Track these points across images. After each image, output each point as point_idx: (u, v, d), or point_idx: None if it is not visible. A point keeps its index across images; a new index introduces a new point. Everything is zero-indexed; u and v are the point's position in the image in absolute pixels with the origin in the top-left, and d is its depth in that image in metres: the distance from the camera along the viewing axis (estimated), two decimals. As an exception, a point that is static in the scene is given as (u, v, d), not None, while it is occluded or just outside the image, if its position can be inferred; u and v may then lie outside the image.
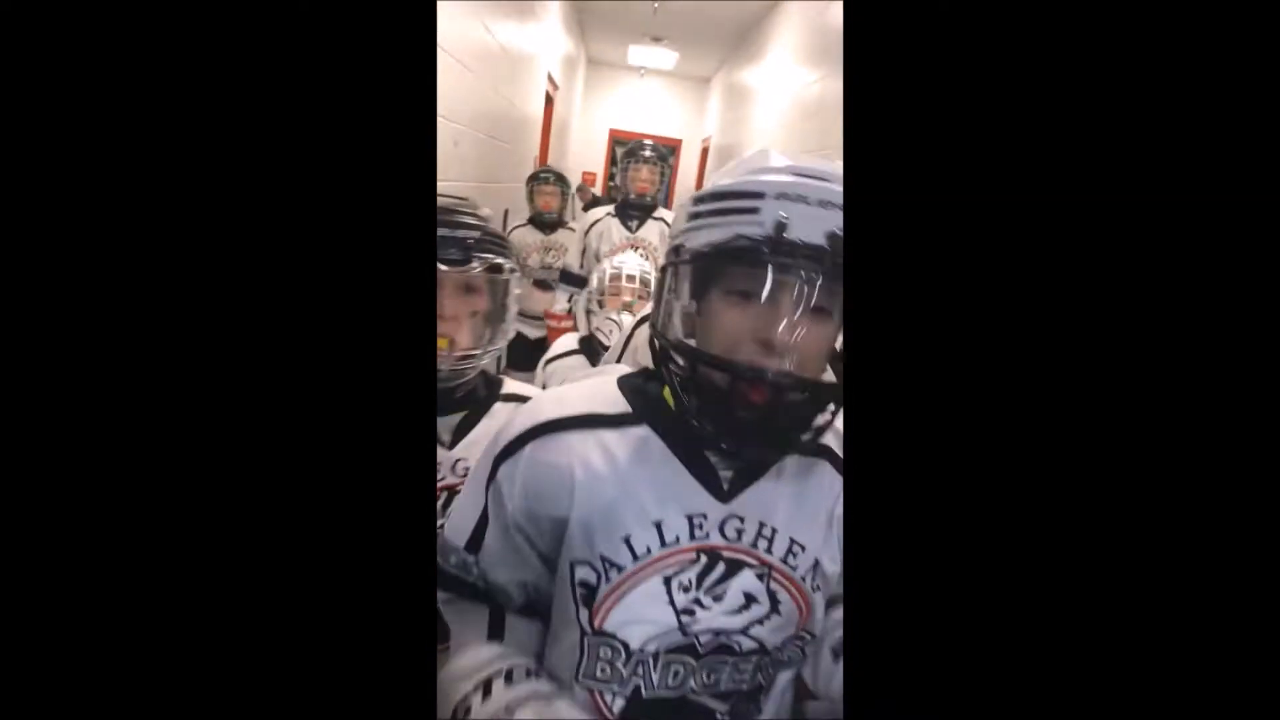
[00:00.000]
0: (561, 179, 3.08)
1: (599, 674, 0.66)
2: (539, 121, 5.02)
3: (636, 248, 2.49)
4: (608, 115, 9.23)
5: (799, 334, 0.59)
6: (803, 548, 0.67)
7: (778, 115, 4.79)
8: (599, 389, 0.72)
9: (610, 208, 2.74)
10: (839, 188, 0.58)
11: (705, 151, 8.26)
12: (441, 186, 2.56)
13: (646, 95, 9.28)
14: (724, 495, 0.66)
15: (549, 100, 5.44)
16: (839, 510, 0.70)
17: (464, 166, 2.72)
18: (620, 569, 0.65)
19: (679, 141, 9.40)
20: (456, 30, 2.45)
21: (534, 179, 3.07)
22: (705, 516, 0.66)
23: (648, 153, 2.72)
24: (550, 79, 5.29)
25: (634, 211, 2.67)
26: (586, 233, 2.71)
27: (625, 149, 2.78)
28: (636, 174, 2.67)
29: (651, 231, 2.67)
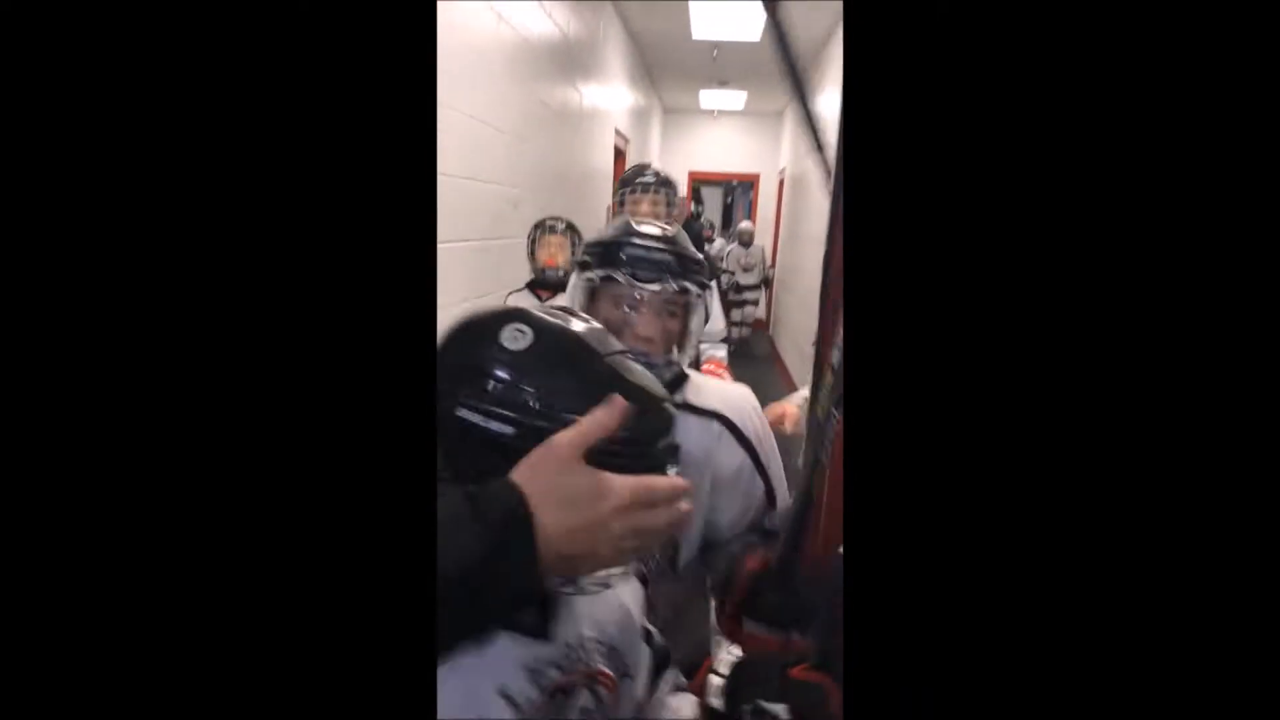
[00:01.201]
0: (572, 228, 2.46)
1: None
2: (609, 174, 5.26)
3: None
4: (687, 158, 9.46)
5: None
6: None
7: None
8: None
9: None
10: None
11: (782, 183, 8.30)
12: (501, 244, 2.78)
13: (722, 135, 9.45)
14: None
15: (619, 153, 5.69)
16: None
17: (526, 225, 2.85)
18: None
19: (757, 175, 9.49)
20: (502, 97, 2.68)
21: (539, 228, 2.45)
22: None
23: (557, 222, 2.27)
24: (618, 133, 5.54)
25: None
26: None
27: (625, 174, 2.22)
28: (637, 206, 2.08)
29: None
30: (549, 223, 2.44)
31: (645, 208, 2.03)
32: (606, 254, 0.97)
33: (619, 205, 2.09)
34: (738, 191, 9.51)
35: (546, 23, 3.22)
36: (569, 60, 3.76)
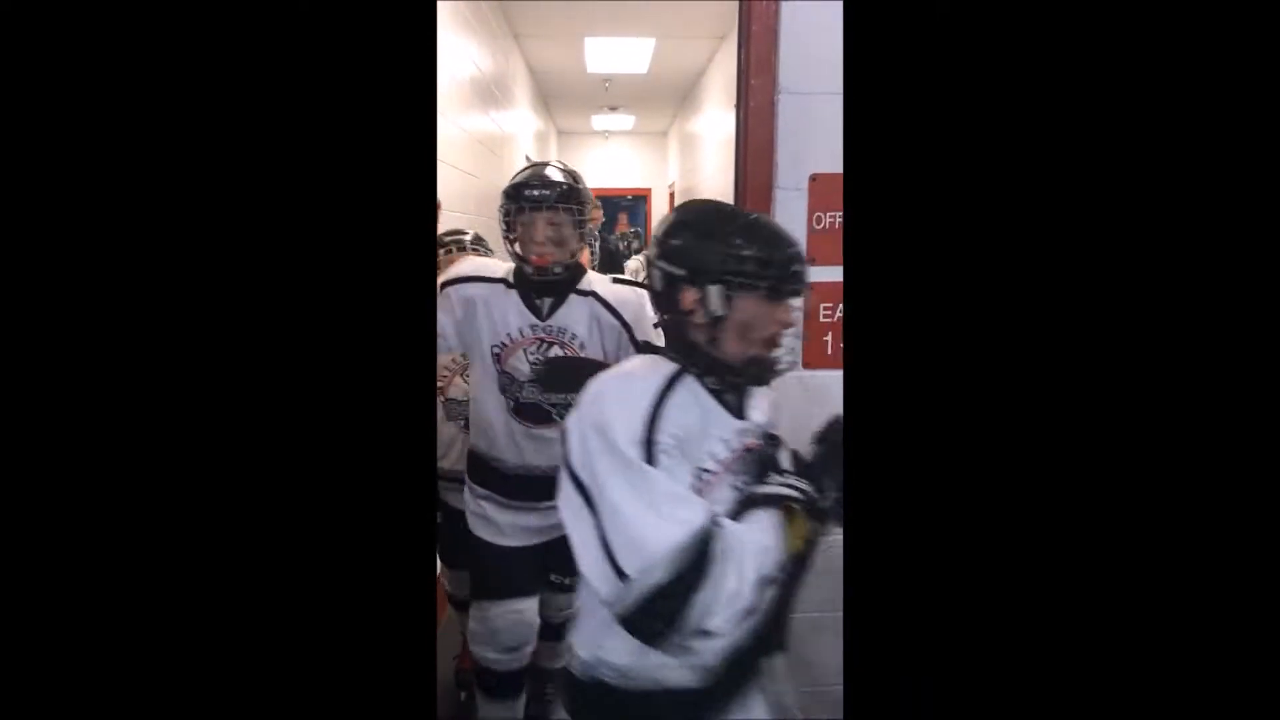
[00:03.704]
0: (480, 241, 1.83)
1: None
2: (523, 194, 5.58)
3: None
4: (582, 176, 9.84)
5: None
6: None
7: (721, 157, 5.35)
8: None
9: (501, 270, 1.40)
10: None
11: (672, 196, 8.84)
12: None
13: (613, 154, 9.91)
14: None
15: (529, 175, 6.03)
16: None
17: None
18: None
19: (649, 190, 10.01)
20: (439, 134, 3.01)
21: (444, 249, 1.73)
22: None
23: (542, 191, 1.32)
24: (528, 159, 5.89)
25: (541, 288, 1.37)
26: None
27: (510, 186, 1.37)
28: (530, 230, 1.33)
29: (579, 316, 1.37)
30: (449, 239, 1.80)
31: (541, 231, 1.33)
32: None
33: (504, 228, 1.38)
34: (631, 205, 9.95)
35: (468, 63, 3.55)
36: (485, 94, 4.09)
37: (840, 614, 0.53)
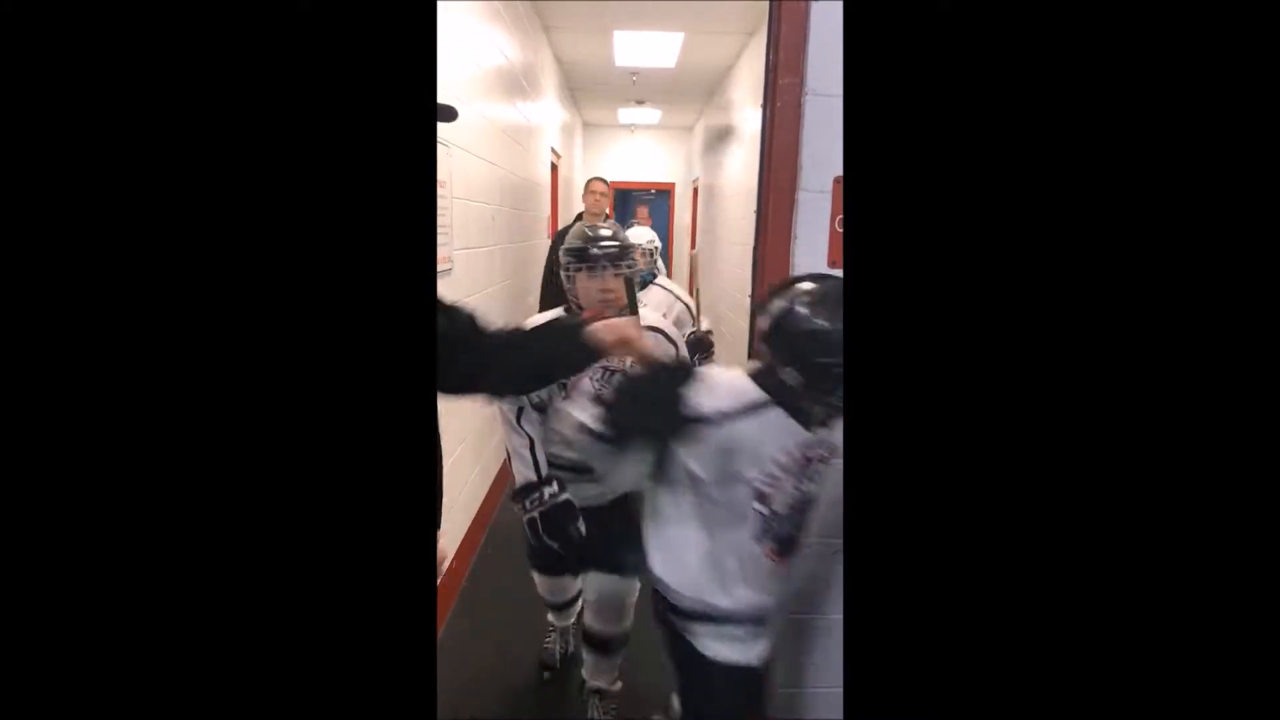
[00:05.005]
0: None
1: None
2: (548, 186, 5.62)
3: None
4: (606, 169, 9.82)
5: None
6: None
7: (746, 154, 5.31)
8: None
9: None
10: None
11: (696, 191, 8.80)
12: (488, 251, 3.12)
13: (638, 148, 9.89)
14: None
15: (554, 168, 6.04)
16: None
17: (499, 234, 3.23)
18: None
19: (672, 185, 9.99)
20: (465, 124, 3.02)
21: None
22: None
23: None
24: (554, 151, 5.90)
25: None
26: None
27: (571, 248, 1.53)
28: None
29: None
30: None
31: (598, 291, 1.48)
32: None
33: (565, 279, 1.54)
34: (653, 199, 9.91)
35: (496, 54, 3.56)
36: (513, 86, 4.10)
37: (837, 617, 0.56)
